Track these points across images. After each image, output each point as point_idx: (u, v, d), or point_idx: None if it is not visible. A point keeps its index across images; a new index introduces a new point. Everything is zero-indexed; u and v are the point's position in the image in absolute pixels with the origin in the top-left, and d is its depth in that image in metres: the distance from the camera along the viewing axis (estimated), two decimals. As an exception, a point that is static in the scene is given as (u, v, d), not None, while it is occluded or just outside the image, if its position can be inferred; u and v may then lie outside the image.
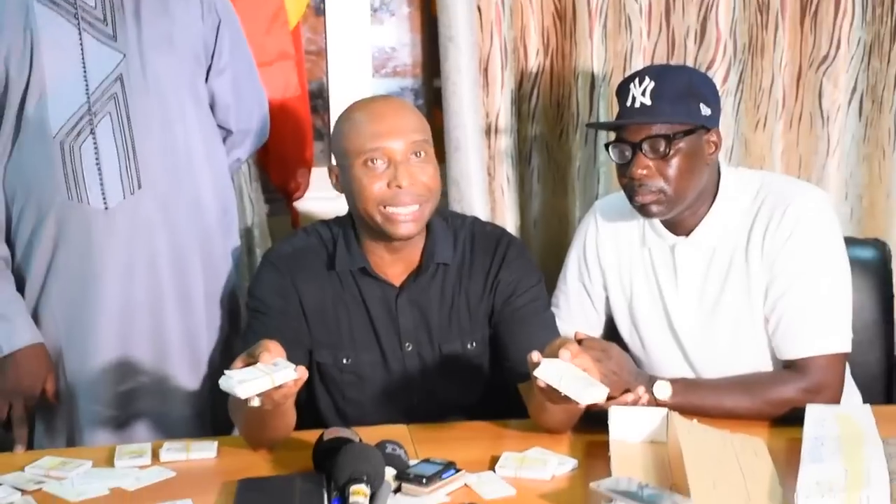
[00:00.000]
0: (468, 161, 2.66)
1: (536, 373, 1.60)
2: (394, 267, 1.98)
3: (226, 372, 1.58)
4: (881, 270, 2.41)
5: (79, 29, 2.06)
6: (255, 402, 1.58)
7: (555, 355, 1.63)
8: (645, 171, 1.96)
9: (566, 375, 1.59)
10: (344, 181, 1.95)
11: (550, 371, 1.60)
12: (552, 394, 1.61)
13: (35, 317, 2.13)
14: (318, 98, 2.91)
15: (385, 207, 1.88)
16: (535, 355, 1.63)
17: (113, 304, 2.11)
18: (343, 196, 1.98)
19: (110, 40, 2.07)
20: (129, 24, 2.08)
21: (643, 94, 1.96)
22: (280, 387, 1.57)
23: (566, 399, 1.59)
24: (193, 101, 2.17)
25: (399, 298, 1.98)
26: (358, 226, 1.97)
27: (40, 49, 2.05)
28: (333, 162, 1.99)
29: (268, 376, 1.56)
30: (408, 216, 1.89)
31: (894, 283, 2.49)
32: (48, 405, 2.14)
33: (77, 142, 2.06)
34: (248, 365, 1.60)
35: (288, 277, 1.97)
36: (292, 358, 1.66)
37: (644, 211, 2.00)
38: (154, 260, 2.13)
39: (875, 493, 1.44)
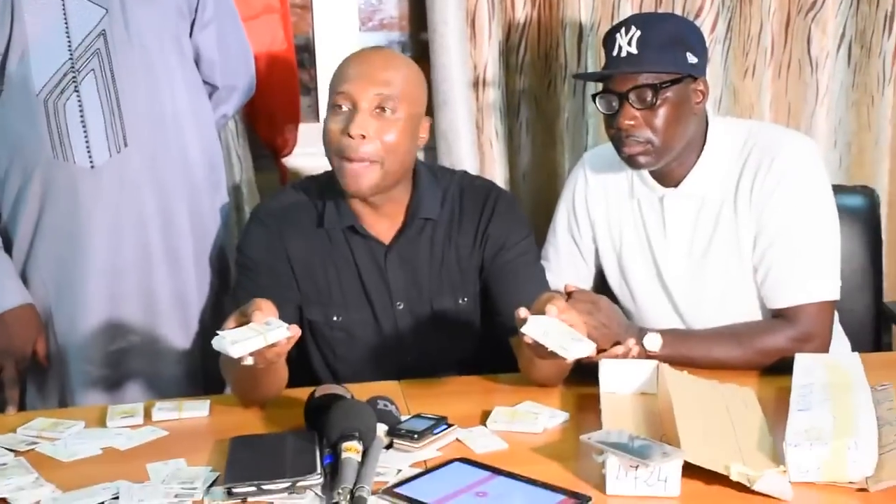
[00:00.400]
0: (456, 115, 2.65)
1: (523, 329, 1.61)
2: (380, 223, 1.97)
3: (218, 332, 1.58)
4: (869, 218, 2.42)
5: None
6: (248, 361, 1.58)
7: (542, 311, 1.63)
8: (632, 122, 1.95)
9: (553, 331, 1.60)
10: None
11: (537, 327, 1.60)
12: (539, 349, 1.61)
13: (23, 277, 2.12)
14: (305, 52, 2.88)
15: (340, 158, 1.86)
16: (522, 311, 1.63)
17: (101, 264, 2.10)
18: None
19: None
20: None
21: (629, 43, 1.94)
22: (273, 345, 1.58)
23: (553, 354, 1.59)
24: (178, 56, 2.15)
25: (388, 256, 1.97)
26: None
27: (21, 6, 2.02)
28: None
29: (261, 335, 1.56)
30: (355, 170, 1.85)
31: (882, 230, 2.50)
32: (39, 366, 2.15)
33: (61, 99, 2.04)
34: (240, 324, 1.60)
35: (277, 234, 1.97)
36: (282, 315, 1.65)
37: (632, 162, 2.00)
38: (142, 218, 2.12)
39: (863, 440, 1.45)
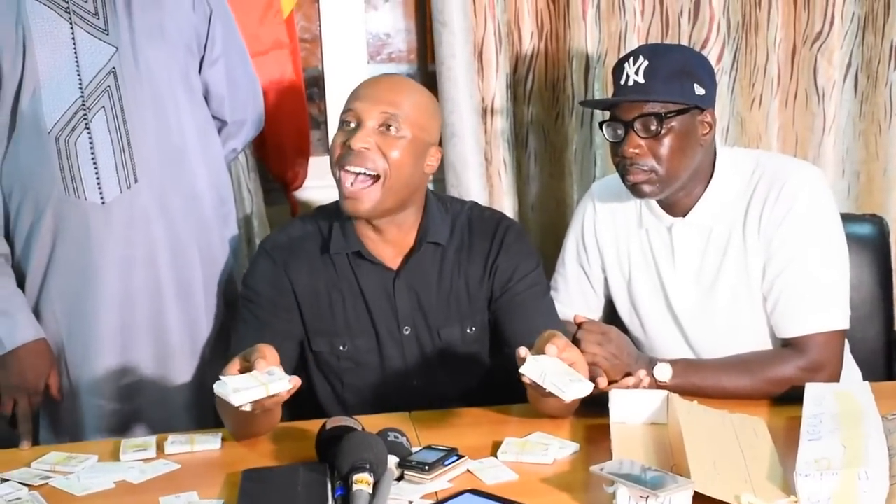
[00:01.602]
0: (465, 146, 2.66)
1: (522, 370, 1.62)
2: (386, 249, 1.98)
3: (221, 377, 1.60)
4: (879, 246, 2.42)
5: (71, 23, 2.06)
6: (247, 408, 1.60)
7: (543, 350, 1.63)
8: (637, 150, 1.96)
9: (551, 371, 1.61)
10: None
11: (535, 368, 1.61)
12: (539, 389, 1.62)
13: (36, 312, 2.13)
14: (314, 86, 2.91)
15: (342, 174, 1.88)
16: (522, 351, 1.64)
17: (113, 298, 2.11)
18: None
19: (102, 34, 2.07)
20: (120, 17, 2.08)
21: (637, 72, 1.96)
22: (272, 396, 1.59)
23: (552, 394, 1.60)
24: (187, 92, 2.17)
25: (396, 282, 1.98)
26: None
27: (33, 44, 2.05)
28: None
29: (262, 386, 1.58)
30: (355, 192, 1.86)
31: (892, 258, 2.50)
32: (52, 401, 2.15)
33: (72, 136, 2.06)
34: (243, 369, 1.62)
35: (282, 267, 1.98)
36: (282, 350, 1.68)
37: (636, 190, 2.01)
38: (152, 252, 2.13)
39: (873, 469, 1.45)
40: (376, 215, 1.91)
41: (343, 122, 1.90)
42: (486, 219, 2.05)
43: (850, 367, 2.14)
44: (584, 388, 1.60)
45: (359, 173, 1.87)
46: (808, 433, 1.59)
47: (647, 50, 2.02)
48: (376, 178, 1.88)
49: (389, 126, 1.87)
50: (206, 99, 2.25)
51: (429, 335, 2.00)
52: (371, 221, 1.94)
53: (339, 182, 1.89)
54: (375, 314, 1.99)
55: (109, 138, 2.07)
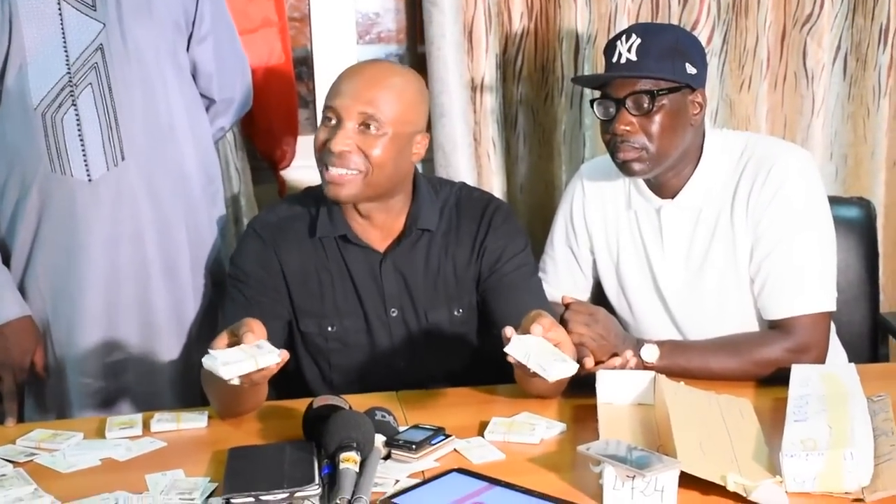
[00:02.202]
0: (454, 126, 2.66)
1: (507, 349, 1.62)
2: (373, 233, 1.98)
3: (210, 351, 1.59)
4: (866, 229, 2.43)
5: None
6: (235, 381, 1.59)
7: (529, 329, 1.63)
8: (628, 127, 1.96)
9: (536, 351, 1.61)
10: None
11: (520, 348, 1.61)
12: (523, 368, 1.62)
13: (21, 289, 2.13)
14: (303, 65, 2.90)
15: (322, 165, 1.88)
16: (507, 331, 1.64)
17: (99, 276, 2.11)
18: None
19: (90, 10, 2.05)
20: None
21: (629, 50, 1.95)
22: (262, 369, 1.59)
23: (536, 374, 1.60)
24: (175, 69, 2.15)
25: (383, 264, 1.98)
26: None
27: (19, 20, 2.03)
28: None
29: (252, 359, 1.57)
30: (338, 178, 1.86)
31: (879, 241, 2.51)
32: (37, 378, 2.15)
33: (59, 113, 2.04)
34: (230, 343, 1.61)
35: (271, 247, 1.97)
36: (270, 329, 1.67)
37: (626, 168, 2.00)
38: (139, 231, 2.12)
39: (859, 450, 1.46)
40: (360, 201, 1.92)
41: (325, 118, 1.89)
42: (474, 200, 2.05)
43: (836, 349, 2.15)
44: (569, 369, 1.60)
45: (337, 174, 1.87)
46: (794, 414, 1.60)
47: (639, 28, 2.02)
48: (357, 170, 1.88)
49: (369, 125, 1.86)
50: (195, 77, 2.24)
51: (416, 317, 2.00)
52: (357, 206, 1.94)
53: (323, 171, 1.89)
54: (363, 296, 1.99)
55: (96, 115, 2.06)
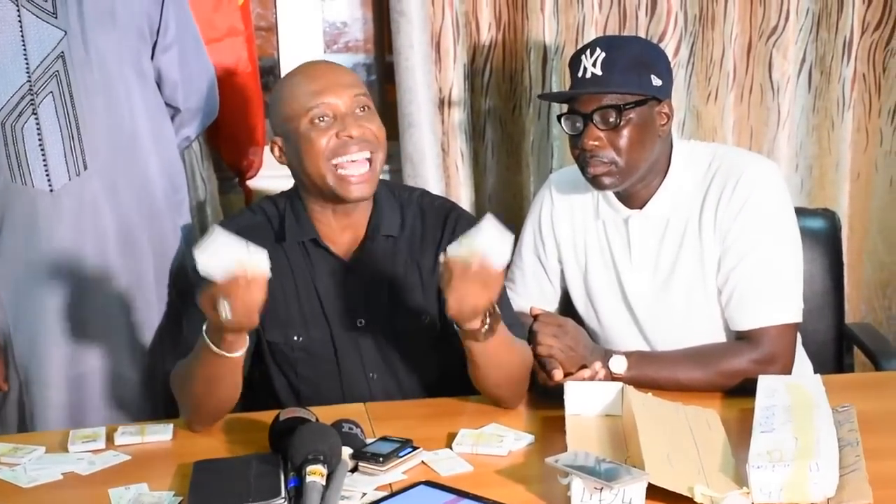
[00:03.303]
0: (422, 137, 2.65)
1: (448, 249, 1.66)
2: (342, 236, 1.96)
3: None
4: (831, 240, 2.45)
5: (17, 5, 2.01)
6: (227, 314, 1.57)
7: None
8: (596, 143, 1.96)
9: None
10: (290, 148, 1.91)
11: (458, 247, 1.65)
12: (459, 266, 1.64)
13: (-19, 302, 2.10)
14: (270, 75, 2.88)
15: (337, 165, 1.86)
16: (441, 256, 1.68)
17: (61, 287, 2.08)
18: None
19: (51, 17, 2.03)
20: (69, 0, 2.03)
21: (594, 64, 1.96)
22: (251, 288, 1.58)
23: (474, 276, 1.63)
24: (139, 78, 2.13)
25: (349, 272, 1.97)
26: (306, 194, 1.95)
27: None
28: (274, 135, 1.96)
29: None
30: (360, 177, 1.87)
31: (844, 252, 2.53)
32: (-2, 391, 2.12)
33: (19, 122, 2.02)
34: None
35: None
36: None
37: (596, 183, 2.01)
38: (102, 241, 2.10)
39: (824, 461, 1.46)
40: (370, 195, 1.92)
41: (315, 120, 1.86)
42: (436, 208, 2.04)
43: (802, 360, 2.17)
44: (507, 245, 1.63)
45: (360, 159, 1.87)
46: (761, 425, 1.61)
47: (603, 42, 2.02)
48: (372, 152, 1.89)
49: (364, 107, 1.89)
50: (159, 86, 2.22)
51: (383, 327, 1.99)
52: (323, 209, 1.93)
53: (333, 174, 1.87)
54: (327, 307, 1.97)
55: (58, 124, 2.03)
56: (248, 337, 1.71)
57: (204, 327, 1.69)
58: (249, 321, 1.64)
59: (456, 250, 1.65)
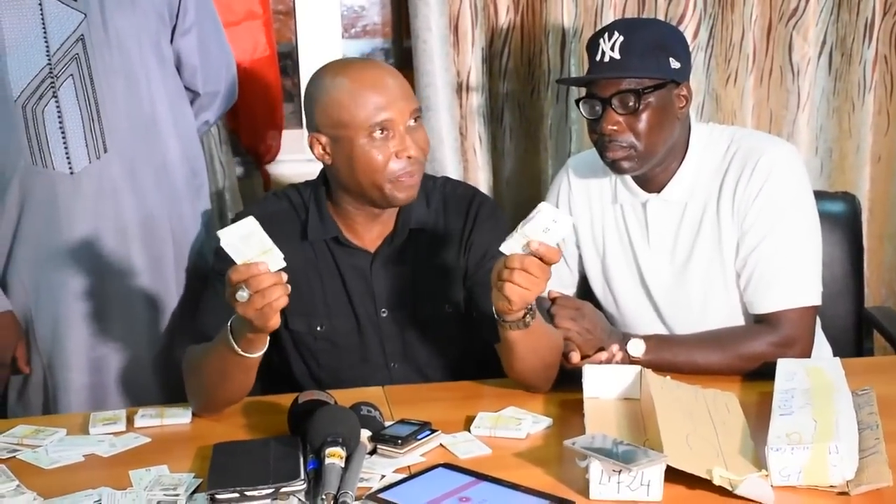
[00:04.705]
0: (439, 120, 2.65)
1: (503, 247, 1.64)
2: (369, 232, 1.96)
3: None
4: (851, 224, 2.44)
5: None
6: (244, 295, 1.56)
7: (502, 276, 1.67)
8: (615, 127, 1.95)
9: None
10: (338, 152, 1.87)
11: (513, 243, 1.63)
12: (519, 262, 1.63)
13: (3, 284, 2.11)
14: (288, 59, 2.88)
15: (393, 179, 1.85)
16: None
17: (81, 270, 2.08)
18: (315, 159, 1.95)
19: (70, 0, 2.03)
20: None
21: (612, 48, 1.95)
22: (269, 293, 1.57)
23: (531, 267, 1.62)
24: (158, 62, 2.14)
25: (374, 264, 1.97)
26: (341, 192, 1.93)
27: None
28: (313, 131, 1.90)
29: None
30: (412, 182, 1.87)
31: (864, 236, 2.51)
32: (19, 373, 2.13)
33: (40, 105, 2.02)
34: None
35: None
36: None
37: (615, 167, 2.00)
38: (122, 224, 2.11)
39: (844, 444, 1.46)
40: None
41: (375, 133, 1.83)
42: (459, 196, 2.04)
43: (821, 344, 2.16)
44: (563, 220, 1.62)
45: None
46: (780, 408, 1.60)
47: (621, 25, 2.01)
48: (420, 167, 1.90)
49: (416, 118, 1.88)
50: (179, 69, 2.22)
51: (406, 316, 1.99)
52: (349, 207, 1.93)
53: (388, 185, 1.86)
54: (353, 296, 1.97)
55: (78, 107, 2.04)
56: (267, 340, 1.69)
57: (229, 323, 1.68)
58: (266, 321, 1.60)
59: (511, 246, 1.63)
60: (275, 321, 1.61)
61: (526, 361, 1.82)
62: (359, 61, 2.01)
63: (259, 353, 1.70)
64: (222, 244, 1.57)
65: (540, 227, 1.61)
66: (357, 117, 1.83)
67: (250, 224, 1.58)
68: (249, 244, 1.57)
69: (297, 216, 1.97)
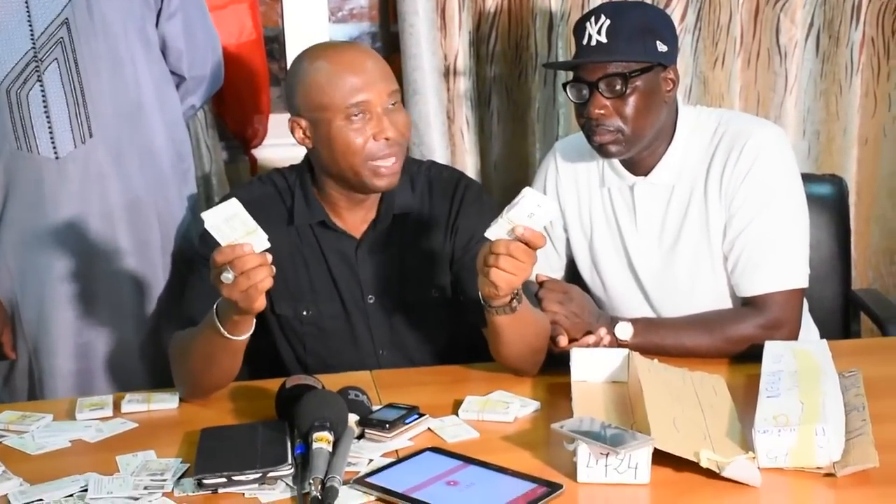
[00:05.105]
0: (427, 104, 2.64)
1: (488, 232, 1.63)
2: (353, 217, 1.96)
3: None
4: (838, 206, 2.44)
5: None
6: (229, 276, 1.56)
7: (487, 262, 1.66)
8: (602, 111, 1.95)
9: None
10: (318, 136, 1.87)
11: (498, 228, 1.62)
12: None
13: (-12, 270, 2.10)
14: (274, 43, 2.87)
15: (374, 161, 1.84)
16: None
17: (67, 255, 2.08)
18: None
19: None
20: None
21: (599, 32, 1.94)
22: (254, 274, 1.56)
23: (517, 252, 1.61)
24: (143, 45, 2.12)
25: (359, 250, 1.96)
26: (324, 176, 1.92)
27: None
28: (294, 115, 1.89)
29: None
30: (392, 169, 1.86)
31: (851, 218, 2.52)
32: (5, 359, 2.12)
33: (24, 89, 2.01)
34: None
35: None
36: None
37: (602, 151, 2.00)
38: (108, 209, 2.10)
39: (830, 426, 1.46)
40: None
41: (352, 117, 1.82)
42: (444, 179, 2.02)
43: (808, 326, 2.16)
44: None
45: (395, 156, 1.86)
46: (767, 390, 1.61)
47: (608, 8, 2.00)
48: (402, 148, 1.89)
49: (395, 102, 1.86)
50: (164, 54, 2.21)
51: (393, 301, 1.98)
52: (334, 191, 1.92)
53: (367, 170, 1.85)
54: (339, 282, 1.97)
55: (63, 91, 2.02)
56: (253, 322, 1.69)
57: (215, 305, 1.68)
58: (251, 302, 1.59)
59: (496, 231, 1.63)
60: (260, 302, 1.61)
61: (513, 346, 1.82)
62: (339, 44, 2.01)
63: (245, 336, 1.69)
64: (206, 226, 1.56)
65: (524, 213, 1.61)
66: (335, 99, 1.83)
67: (233, 205, 1.57)
68: (233, 225, 1.56)
69: (283, 201, 1.96)
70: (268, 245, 1.58)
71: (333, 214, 1.95)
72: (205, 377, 1.79)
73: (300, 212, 1.94)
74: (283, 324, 2.00)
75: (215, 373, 1.78)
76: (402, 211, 1.96)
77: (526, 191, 1.62)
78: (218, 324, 1.66)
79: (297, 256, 1.96)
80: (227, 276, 1.56)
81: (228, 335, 1.67)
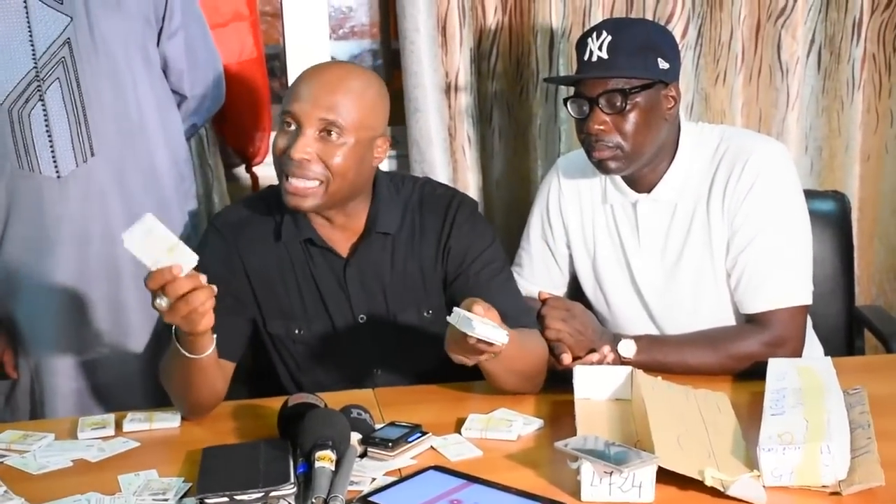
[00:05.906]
0: (428, 121, 2.64)
1: (449, 319, 1.59)
2: (339, 234, 1.94)
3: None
4: (841, 223, 2.44)
5: None
6: (163, 303, 1.53)
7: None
8: (602, 127, 1.95)
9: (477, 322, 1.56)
10: None
11: (462, 318, 1.58)
12: (462, 342, 1.60)
13: (-11, 288, 2.10)
14: (275, 60, 2.87)
15: (282, 174, 1.83)
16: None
17: (69, 274, 2.08)
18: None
19: (56, 3, 2.01)
20: None
21: (600, 48, 1.95)
22: (192, 298, 1.53)
23: (474, 347, 1.58)
24: (145, 65, 2.13)
25: (348, 268, 1.94)
26: None
27: None
28: None
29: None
30: (293, 189, 1.81)
31: (854, 235, 2.52)
32: (6, 378, 2.12)
33: (26, 109, 2.01)
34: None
35: (233, 246, 1.92)
36: (234, 326, 1.70)
37: (602, 167, 2.00)
38: (109, 228, 2.09)
39: (835, 443, 1.45)
40: (321, 210, 1.87)
41: (283, 122, 1.82)
42: (437, 197, 2.00)
43: (813, 343, 2.16)
44: (503, 336, 1.57)
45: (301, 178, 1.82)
46: (771, 408, 1.60)
47: (609, 24, 2.01)
48: (318, 180, 1.82)
49: (330, 132, 1.80)
50: (165, 72, 2.21)
51: (385, 321, 1.97)
52: (320, 213, 1.90)
53: (282, 180, 1.84)
54: (329, 302, 1.95)
55: (65, 111, 2.03)
56: (213, 339, 1.67)
57: (174, 326, 1.66)
58: (194, 326, 1.58)
59: (456, 321, 1.59)
60: (205, 323, 1.59)
61: (506, 379, 1.81)
62: (331, 62, 2.00)
63: (206, 354, 1.67)
64: (126, 246, 1.53)
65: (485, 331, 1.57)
66: (283, 100, 1.85)
67: (149, 221, 1.54)
68: (153, 241, 1.53)
69: (272, 218, 1.95)
70: (195, 261, 1.54)
71: (320, 231, 1.94)
72: (188, 397, 1.78)
73: (288, 228, 1.93)
74: (276, 342, 1.99)
75: (194, 392, 1.77)
76: (384, 230, 1.94)
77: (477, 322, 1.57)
78: (177, 344, 1.66)
79: (287, 275, 1.94)
80: (161, 303, 1.55)
81: (189, 354, 1.66)
